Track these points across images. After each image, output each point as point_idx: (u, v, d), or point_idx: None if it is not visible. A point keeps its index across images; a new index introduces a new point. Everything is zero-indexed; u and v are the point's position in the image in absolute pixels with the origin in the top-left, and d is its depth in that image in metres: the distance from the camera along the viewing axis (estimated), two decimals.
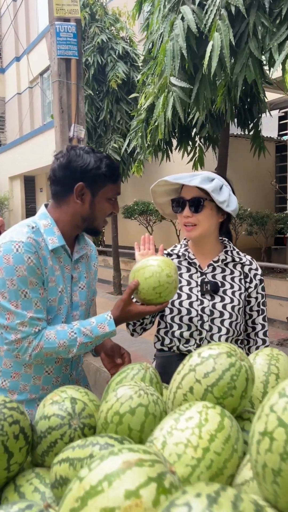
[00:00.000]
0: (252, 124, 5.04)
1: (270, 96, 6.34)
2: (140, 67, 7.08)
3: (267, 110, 4.87)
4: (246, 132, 5.17)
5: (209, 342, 1.56)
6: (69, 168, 1.39)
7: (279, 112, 7.58)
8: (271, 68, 2.64)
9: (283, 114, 7.82)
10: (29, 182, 16.90)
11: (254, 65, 2.54)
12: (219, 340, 1.55)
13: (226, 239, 1.72)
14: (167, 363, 1.59)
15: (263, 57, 2.56)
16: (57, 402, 0.99)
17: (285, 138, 8.08)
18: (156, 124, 4.06)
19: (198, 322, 1.55)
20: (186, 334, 1.56)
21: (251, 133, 5.12)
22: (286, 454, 0.56)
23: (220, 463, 0.73)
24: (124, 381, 1.11)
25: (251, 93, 4.60)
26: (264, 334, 1.67)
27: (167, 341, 1.60)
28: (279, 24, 2.49)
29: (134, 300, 1.47)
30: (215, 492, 0.50)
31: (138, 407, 0.92)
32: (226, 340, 1.56)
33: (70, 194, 1.41)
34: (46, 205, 1.50)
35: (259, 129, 5.11)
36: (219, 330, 1.55)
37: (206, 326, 1.55)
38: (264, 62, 2.78)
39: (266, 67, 3.30)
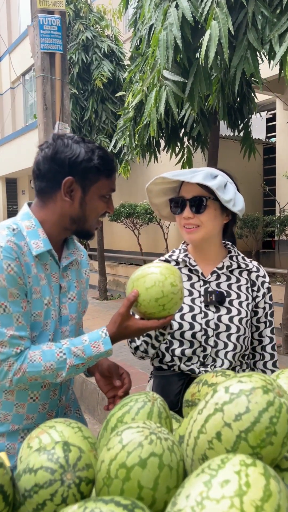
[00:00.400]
0: (242, 125, 4.90)
1: (259, 97, 6.24)
2: (126, 66, 6.92)
3: (256, 111, 4.74)
4: (236, 133, 5.04)
5: (213, 359, 1.38)
6: (56, 160, 1.18)
7: (267, 114, 7.50)
8: (271, 61, 2.48)
9: (271, 116, 7.75)
10: (10, 184, 16.58)
11: (253, 57, 2.38)
12: (225, 357, 1.37)
13: (230, 243, 1.54)
14: (167, 384, 1.40)
15: (263, 49, 2.40)
16: (46, 449, 0.78)
17: (273, 140, 8.01)
18: (145, 122, 3.89)
19: (202, 337, 1.37)
20: (188, 352, 1.38)
21: (241, 134, 4.99)
22: None
23: None
24: (127, 417, 0.91)
25: (241, 92, 4.46)
26: (273, 348, 1.50)
27: (167, 358, 1.41)
28: (279, 14, 2.33)
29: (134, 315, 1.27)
30: None
31: (150, 458, 0.72)
32: (233, 357, 1.38)
33: (57, 191, 1.20)
34: (29, 204, 1.29)
35: (249, 130, 4.99)
36: (225, 345, 1.37)
37: (211, 342, 1.37)
38: (264, 57, 2.63)
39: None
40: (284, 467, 0.74)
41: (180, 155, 5.18)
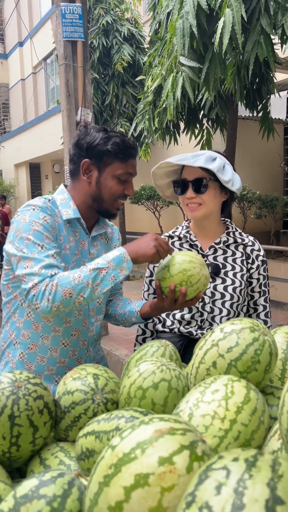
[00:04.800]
0: (260, 106, 4.96)
1: (279, 76, 6.22)
2: (146, 49, 6.98)
3: (276, 91, 4.78)
4: (255, 114, 5.09)
5: (210, 323, 1.56)
6: (78, 146, 1.43)
7: (287, 93, 7.43)
8: (284, 46, 2.58)
9: None
10: (34, 169, 16.85)
11: (266, 42, 2.49)
12: (221, 321, 1.55)
13: (228, 220, 1.70)
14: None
15: (276, 34, 2.50)
16: (79, 378, 1.00)
17: None
18: (164, 106, 4.01)
19: (199, 304, 1.55)
20: (187, 316, 1.56)
21: (260, 114, 5.04)
22: None
23: (248, 434, 0.73)
24: (144, 358, 1.12)
25: (259, 73, 4.51)
26: (266, 315, 1.64)
27: (168, 322, 1.61)
28: None
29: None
30: (253, 456, 0.50)
31: (161, 382, 0.92)
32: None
33: (80, 172, 1.44)
34: (65, 186, 1.52)
35: (268, 110, 5.03)
36: (220, 311, 1.55)
37: (207, 308, 1.55)
38: (276, 40, 2.72)
39: (276, 46, 3.23)
40: (268, 392, 0.93)
41: (199, 137, 5.28)
